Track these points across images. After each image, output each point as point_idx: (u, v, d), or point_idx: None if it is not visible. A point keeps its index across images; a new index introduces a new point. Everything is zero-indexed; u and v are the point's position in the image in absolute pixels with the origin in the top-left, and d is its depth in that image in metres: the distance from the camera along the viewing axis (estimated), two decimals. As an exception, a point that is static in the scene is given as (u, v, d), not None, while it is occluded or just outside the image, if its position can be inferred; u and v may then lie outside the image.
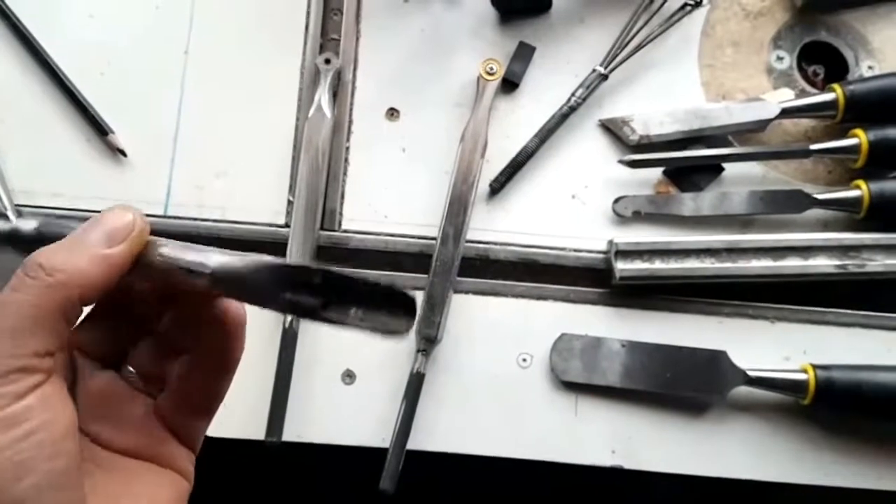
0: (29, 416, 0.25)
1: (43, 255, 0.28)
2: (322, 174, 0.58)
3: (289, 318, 0.55)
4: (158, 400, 0.33)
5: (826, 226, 0.59)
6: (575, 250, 0.58)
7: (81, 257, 0.28)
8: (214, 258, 0.29)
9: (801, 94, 0.61)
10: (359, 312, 0.28)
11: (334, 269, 0.28)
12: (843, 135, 0.58)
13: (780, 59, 0.62)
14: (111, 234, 0.29)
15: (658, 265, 0.56)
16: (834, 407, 0.54)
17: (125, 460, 0.31)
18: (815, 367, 0.53)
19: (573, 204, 0.59)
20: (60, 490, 0.26)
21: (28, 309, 0.26)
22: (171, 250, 0.30)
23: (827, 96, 0.58)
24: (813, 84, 0.63)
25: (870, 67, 0.62)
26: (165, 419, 0.32)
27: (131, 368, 0.33)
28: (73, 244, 0.28)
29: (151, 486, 0.31)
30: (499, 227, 0.59)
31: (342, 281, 0.28)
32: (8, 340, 0.26)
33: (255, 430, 0.53)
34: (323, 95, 0.59)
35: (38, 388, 0.26)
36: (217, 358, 0.32)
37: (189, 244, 0.30)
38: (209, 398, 0.33)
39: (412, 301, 0.29)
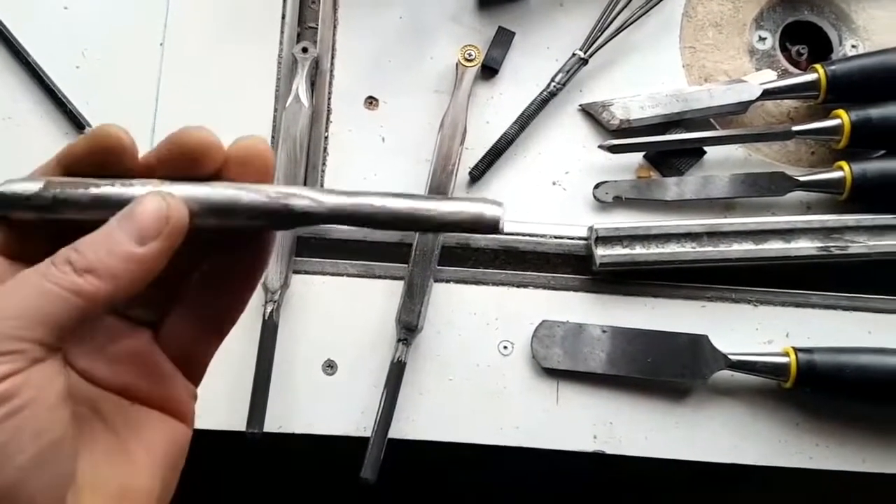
0: (11, 395, 0.24)
1: (75, 250, 0.26)
2: (301, 165, 0.57)
3: (269, 307, 0.55)
4: (163, 326, 0.31)
5: (809, 208, 0.58)
6: (556, 237, 0.58)
7: (113, 258, 0.26)
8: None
9: (784, 74, 0.60)
10: None
11: None
12: (826, 115, 0.58)
13: (762, 39, 0.62)
14: (143, 230, 0.26)
15: (638, 251, 0.55)
16: (816, 390, 0.53)
17: (124, 406, 0.29)
18: (796, 350, 0.53)
19: (554, 190, 0.59)
20: (46, 467, 0.25)
21: (49, 298, 0.25)
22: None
23: (809, 77, 0.57)
24: (797, 64, 0.62)
25: (853, 46, 0.62)
26: (169, 346, 0.30)
27: None
28: (104, 241, 0.26)
29: (150, 437, 0.29)
30: (479, 214, 0.58)
31: None
32: (15, 321, 0.24)
33: (236, 421, 0.53)
34: (300, 85, 0.58)
35: (27, 370, 0.25)
36: (243, 267, 0.30)
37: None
38: (226, 315, 0.31)
39: None
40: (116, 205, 0.27)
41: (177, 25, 0.60)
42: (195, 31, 0.61)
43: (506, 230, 0.58)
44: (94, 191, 0.28)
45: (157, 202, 0.27)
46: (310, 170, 0.58)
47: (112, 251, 0.26)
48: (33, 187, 0.28)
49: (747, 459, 0.54)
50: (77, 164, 0.29)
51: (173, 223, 0.27)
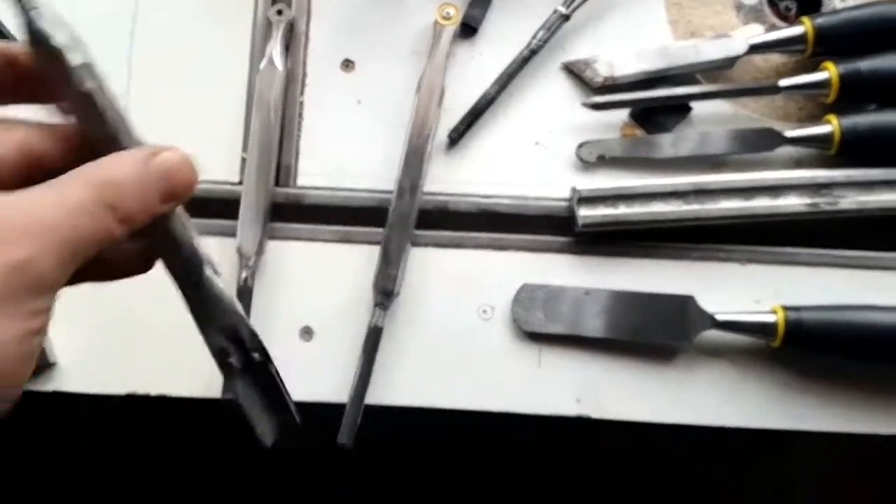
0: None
1: (118, 199, 0.26)
2: (275, 129, 0.56)
3: (244, 273, 0.54)
4: None
5: (798, 164, 0.57)
6: (537, 198, 0.57)
7: (144, 214, 0.27)
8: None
9: (771, 29, 0.59)
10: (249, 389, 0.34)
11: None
12: (815, 69, 0.56)
13: (749, -7, 0.60)
14: (173, 193, 0.28)
15: (622, 210, 0.54)
16: (805, 349, 0.52)
17: None
18: (784, 308, 0.51)
19: (536, 151, 0.58)
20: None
21: (84, 243, 0.25)
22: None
23: (796, 30, 0.56)
24: (785, 19, 0.60)
25: (843, -1, 0.60)
26: None
27: None
28: (140, 195, 0.27)
29: None
30: (459, 177, 0.57)
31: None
32: (56, 256, 0.24)
33: (211, 388, 0.52)
34: (275, 48, 0.57)
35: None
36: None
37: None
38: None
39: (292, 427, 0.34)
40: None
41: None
42: (166, 3, 0.60)
43: (486, 192, 0.57)
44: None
45: (190, 167, 0.28)
46: (285, 135, 0.57)
47: (146, 209, 0.27)
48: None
49: (735, 422, 0.53)
50: None
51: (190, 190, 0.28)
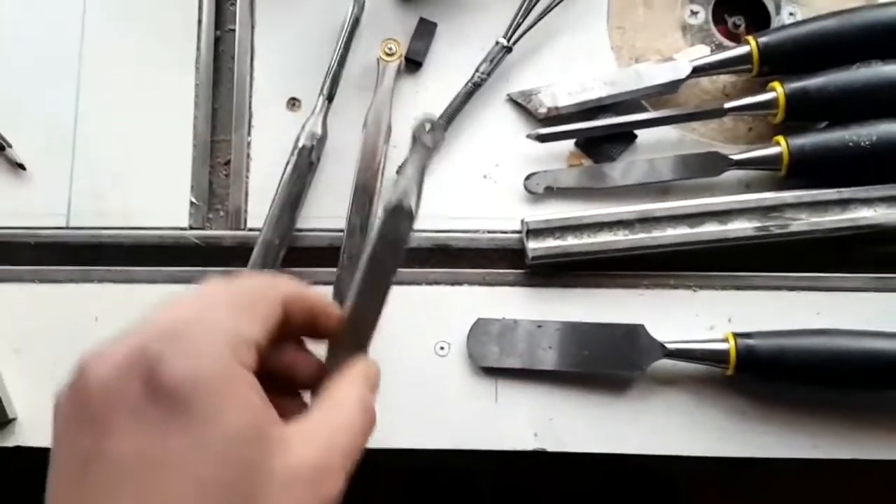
0: None
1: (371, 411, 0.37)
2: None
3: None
4: None
5: (748, 187, 0.56)
6: (489, 232, 0.57)
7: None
8: None
9: (718, 49, 0.58)
10: None
11: None
12: (764, 88, 0.56)
13: (694, 13, 0.59)
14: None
15: (571, 241, 0.54)
16: (758, 375, 0.52)
17: None
18: (735, 335, 0.51)
19: (485, 184, 0.57)
20: None
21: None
22: None
23: (741, 50, 0.55)
24: (734, 37, 0.60)
25: (791, 14, 0.59)
26: None
27: None
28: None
29: None
30: (410, 213, 0.57)
31: None
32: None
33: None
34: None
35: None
36: None
37: None
38: None
39: None
40: None
41: (93, 38, 0.59)
42: (113, 41, 0.59)
43: (438, 227, 0.57)
44: None
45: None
46: (233, 177, 0.57)
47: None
48: None
49: (692, 451, 0.53)
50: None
51: None
